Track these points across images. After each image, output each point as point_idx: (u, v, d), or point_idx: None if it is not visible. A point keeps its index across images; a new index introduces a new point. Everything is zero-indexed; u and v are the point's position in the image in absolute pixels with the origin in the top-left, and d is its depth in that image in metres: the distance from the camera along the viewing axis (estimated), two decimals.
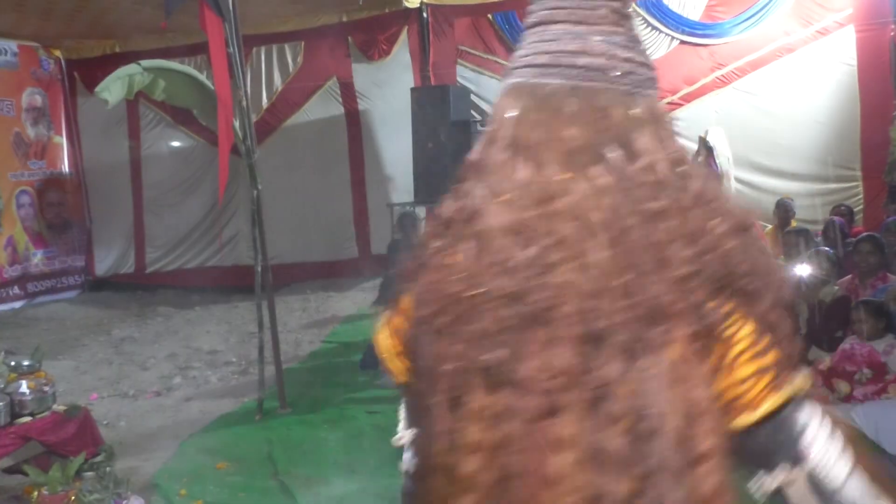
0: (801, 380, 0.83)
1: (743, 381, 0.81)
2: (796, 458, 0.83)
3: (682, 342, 0.79)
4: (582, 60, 0.85)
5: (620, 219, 0.80)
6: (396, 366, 0.97)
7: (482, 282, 0.82)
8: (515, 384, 0.80)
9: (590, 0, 0.87)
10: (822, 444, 0.83)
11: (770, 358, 0.81)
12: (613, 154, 0.83)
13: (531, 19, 0.91)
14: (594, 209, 0.80)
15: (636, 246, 0.79)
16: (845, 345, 4.20)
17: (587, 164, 0.83)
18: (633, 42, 0.89)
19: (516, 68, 0.90)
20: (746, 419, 0.82)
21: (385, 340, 0.99)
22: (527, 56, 0.89)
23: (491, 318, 0.81)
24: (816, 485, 0.83)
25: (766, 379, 0.81)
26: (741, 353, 0.81)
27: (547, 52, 0.87)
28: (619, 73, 0.86)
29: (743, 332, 0.81)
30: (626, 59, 0.87)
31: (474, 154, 0.92)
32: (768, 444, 0.83)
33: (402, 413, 1.04)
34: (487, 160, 0.89)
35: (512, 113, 0.87)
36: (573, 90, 0.85)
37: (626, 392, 0.77)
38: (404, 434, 1.02)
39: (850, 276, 4.89)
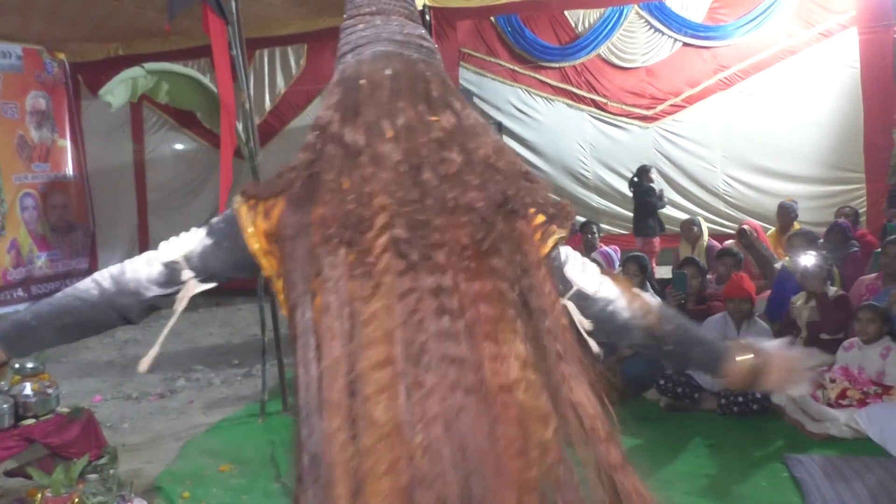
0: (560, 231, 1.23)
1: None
2: (565, 284, 1.27)
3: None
4: (426, 43, 1.29)
5: (467, 143, 1.20)
6: (265, 262, 1.22)
7: (381, 200, 1.11)
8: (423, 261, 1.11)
9: (407, 3, 1.31)
10: (574, 269, 1.28)
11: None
12: (456, 105, 1.23)
13: (370, 7, 1.30)
14: (452, 139, 1.19)
15: (481, 160, 1.20)
16: (845, 348, 4.19)
17: (442, 109, 1.22)
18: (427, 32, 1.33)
19: (376, 41, 1.26)
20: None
21: (253, 240, 1.20)
22: (381, 33, 1.27)
23: (402, 223, 1.11)
24: (580, 297, 1.27)
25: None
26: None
27: (401, 34, 1.27)
28: (436, 54, 1.31)
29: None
30: (431, 43, 1.31)
31: (339, 102, 1.22)
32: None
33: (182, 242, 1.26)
34: (363, 107, 1.20)
35: (389, 71, 1.22)
36: (425, 62, 1.26)
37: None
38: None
39: (874, 275, 4.90)
